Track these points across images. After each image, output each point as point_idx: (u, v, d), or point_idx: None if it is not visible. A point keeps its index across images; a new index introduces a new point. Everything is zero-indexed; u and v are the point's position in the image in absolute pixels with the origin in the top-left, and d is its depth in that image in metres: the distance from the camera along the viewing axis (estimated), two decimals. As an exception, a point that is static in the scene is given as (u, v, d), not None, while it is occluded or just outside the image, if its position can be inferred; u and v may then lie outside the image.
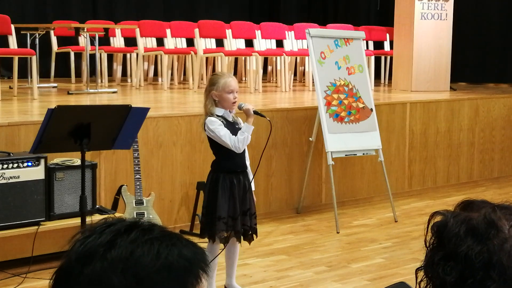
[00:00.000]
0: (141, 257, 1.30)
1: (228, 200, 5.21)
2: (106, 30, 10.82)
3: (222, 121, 5.15)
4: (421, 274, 1.72)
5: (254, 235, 5.40)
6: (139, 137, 6.19)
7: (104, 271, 1.30)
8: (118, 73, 11.94)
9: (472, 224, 1.64)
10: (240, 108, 5.32)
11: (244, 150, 5.31)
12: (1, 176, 5.51)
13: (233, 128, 5.19)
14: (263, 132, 6.75)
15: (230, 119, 5.24)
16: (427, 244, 1.72)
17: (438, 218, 1.72)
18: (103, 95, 9.69)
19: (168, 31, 11.48)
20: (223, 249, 5.31)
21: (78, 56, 11.73)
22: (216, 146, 5.23)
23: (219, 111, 5.19)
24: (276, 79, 12.11)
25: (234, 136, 5.13)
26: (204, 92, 5.32)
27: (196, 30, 10.79)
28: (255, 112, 5.32)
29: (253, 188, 5.46)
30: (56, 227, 5.78)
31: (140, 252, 1.31)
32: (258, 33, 11.47)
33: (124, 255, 1.31)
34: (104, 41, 11.45)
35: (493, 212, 1.67)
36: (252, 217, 5.35)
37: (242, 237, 5.33)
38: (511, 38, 13.41)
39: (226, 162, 5.26)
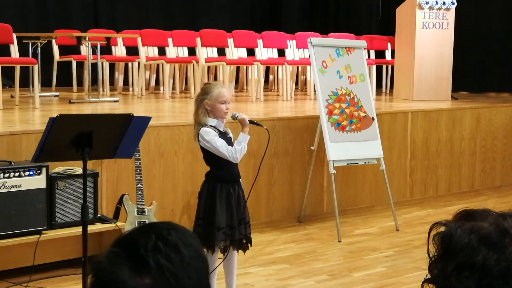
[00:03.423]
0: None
1: (226, 210, 5.19)
2: (108, 39, 10.82)
3: (216, 131, 5.13)
4: (429, 286, 1.71)
5: (248, 244, 5.38)
6: (140, 146, 6.19)
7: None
8: (120, 82, 11.95)
9: (484, 233, 1.64)
10: (234, 118, 5.29)
11: None
12: (3, 185, 5.51)
13: (225, 138, 5.17)
14: (265, 140, 6.73)
15: (222, 129, 5.22)
16: (430, 255, 1.71)
17: (440, 229, 1.72)
18: (104, 104, 9.70)
19: (169, 40, 11.49)
20: (223, 260, 5.30)
21: (80, 65, 11.73)
22: (211, 156, 5.18)
23: (212, 121, 5.16)
24: (277, 88, 12.11)
25: (230, 146, 5.11)
26: (195, 101, 5.30)
27: (198, 39, 10.80)
28: (251, 122, 5.30)
29: None
30: (58, 236, 5.78)
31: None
32: (259, 42, 11.48)
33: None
34: (106, 50, 11.46)
35: (504, 220, 1.67)
36: (246, 226, 5.33)
37: (238, 246, 5.31)
38: (512, 47, 13.42)
39: (222, 172, 5.23)
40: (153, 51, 11.56)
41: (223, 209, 5.17)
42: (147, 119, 5.20)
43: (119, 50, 11.90)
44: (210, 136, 5.08)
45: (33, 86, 9.25)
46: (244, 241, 5.32)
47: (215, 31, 11.37)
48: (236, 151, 5.10)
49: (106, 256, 1.51)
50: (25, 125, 7.22)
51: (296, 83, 12.30)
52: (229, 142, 5.16)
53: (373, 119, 7.87)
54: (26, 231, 5.62)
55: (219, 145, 5.06)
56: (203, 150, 5.21)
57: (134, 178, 6.31)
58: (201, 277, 1.53)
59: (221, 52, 11.44)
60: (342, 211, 7.97)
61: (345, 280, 5.98)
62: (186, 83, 12.22)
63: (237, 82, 12.33)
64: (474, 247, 1.62)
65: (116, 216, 6.31)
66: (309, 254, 6.74)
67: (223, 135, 5.17)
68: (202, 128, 5.12)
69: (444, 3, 10.94)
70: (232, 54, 11.20)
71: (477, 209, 1.76)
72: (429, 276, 1.72)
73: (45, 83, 11.46)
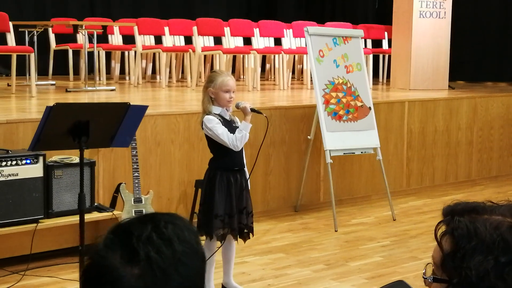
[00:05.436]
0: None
1: (225, 198, 5.21)
2: (104, 27, 10.79)
3: (219, 119, 5.16)
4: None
5: (250, 234, 5.40)
6: (137, 135, 6.19)
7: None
8: (116, 71, 11.93)
9: (509, 225, 1.65)
10: (237, 107, 5.33)
11: (242, 148, 5.31)
12: (0, 173, 5.51)
13: (230, 126, 5.19)
14: (261, 129, 6.74)
15: (227, 117, 5.25)
16: (443, 255, 1.68)
17: (443, 227, 1.71)
18: (101, 93, 9.68)
19: (166, 29, 11.48)
20: (219, 247, 5.31)
21: (76, 53, 11.71)
22: (214, 144, 5.23)
23: (216, 109, 5.20)
24: (274, 77, 12.11)
25: (232, 134, 5.14)
26: (203, 89, 5.34)
27: (195, 28, 10.79)
28: (252, 110, 5.33)
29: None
30: (55, 225, 5.78)
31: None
32: (256, 31, 11.47)
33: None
34: (102, 38, 11.44)
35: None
36: (248, 216, 5.35)
37: (238, 235, 5.33)
38: (509, 36, 13.41)
39: (224, 160, 5.26)
40: (150, 40, 11.54)
41: (222, 197, 5.19)
42: (144, 108, 5.20)
43: (116, 39, 11.88)
44: (212, 124, 5.12)
45: (29, 75, 9.23)
46: (246, 231, 5.34)
47: (211, 20, 11.36)
48: (236, 139, 5.13)
49: (103, 241, 1.53)
50: (22, 114, 7.21)
51: (293, 72, 12.29)
52: (235, 130, 5.20)
53: (370, 108, 7.87)
54: (23, 220, 5.62)
55: (220, 133, 5.11)
56: (207, 137, 5.26)
57: (131, 167, 6.31)
58: (192, 274, 1.52)
59: (218, 41, 11.43)
60: (339, 201, 7.97)
61: (341, 269, 5.99)
62: (182, 72, 12.23)
63: (233, 71, 12.31)
64: (509, 241, 1.62)
65: (113, 205, 6.32)
66: (306, 243, 6.75)
67: (228, 123, 5.20)
68: (206, 116, 5.17)
69: (441, -7, 10.93)
70: (229, 43, 11.18)
71: (469, 201, 1.76)
72: (442, 276, 1.69)
73: (42, 72, 11.44)
